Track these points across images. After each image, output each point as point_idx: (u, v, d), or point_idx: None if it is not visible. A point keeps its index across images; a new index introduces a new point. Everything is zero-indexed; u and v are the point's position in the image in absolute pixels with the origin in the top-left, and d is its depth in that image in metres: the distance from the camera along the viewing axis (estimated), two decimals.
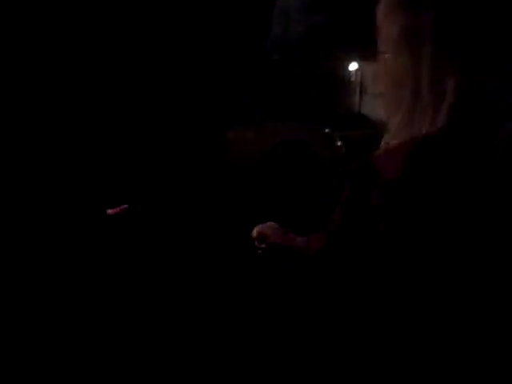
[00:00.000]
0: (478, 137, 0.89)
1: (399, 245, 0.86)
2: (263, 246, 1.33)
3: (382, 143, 0.96)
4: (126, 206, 1.60)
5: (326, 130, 11.12)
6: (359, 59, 25.50)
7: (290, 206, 6.97)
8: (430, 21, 0.89)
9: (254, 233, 1.35)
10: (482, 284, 0.86)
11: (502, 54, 0.87)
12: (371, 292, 0.88)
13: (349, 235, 0.92)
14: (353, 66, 27.91)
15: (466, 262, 0.85)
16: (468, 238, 0.86)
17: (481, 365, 0.87)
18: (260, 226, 1.36)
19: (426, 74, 0.90)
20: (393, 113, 0.95)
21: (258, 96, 14.52)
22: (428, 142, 0.88)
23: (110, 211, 1.68)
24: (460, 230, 0.86)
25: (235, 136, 10.54)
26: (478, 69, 0.88)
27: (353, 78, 27.92)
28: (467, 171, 0.87)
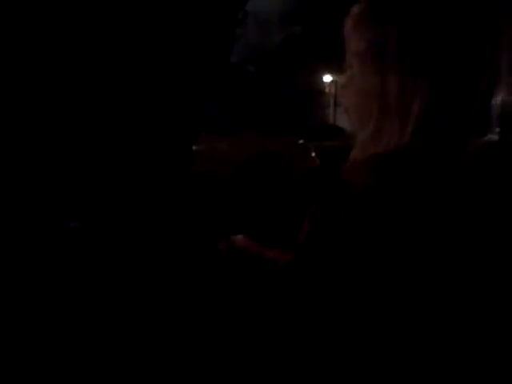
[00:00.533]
0: (444, 150, 0.91)
1: (365, 259, 0.87)
2: (231, 257, 1.36)
3: (350, 157, 0.97)
4: (88, 218, 1.49)
5: (301, 142, 11.10)
6: (334, 71, 25.84)
7: (264, 218, 6.90)
8: (395, 35, 0.91)
9: (223, 244, 1.38)
10: (452, 300, 0.87)
11: (466, 65, 0.89)
12: (339, 306, 0.89)
13: (317, 249, 0.93)
14: (327, 78, 28.30)
15: (435, 275, 0.86)
16: (434, 250, 0.86)
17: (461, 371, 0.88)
18: (229, 237, 1.39)
19: (392, 88, 0.91)
20: (360, 127, 0.97)
21: (232, 107, 14.50)
22: (394, 157, 0.90)
23: (73, 224, 1.58)
24: (425, 243, 0.86)
25: (208, 148, 10.48)
26: (444, 81, 0.89)
27: (327, 90, 28.31)
28: (433, 185, 0.88)
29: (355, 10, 0.97)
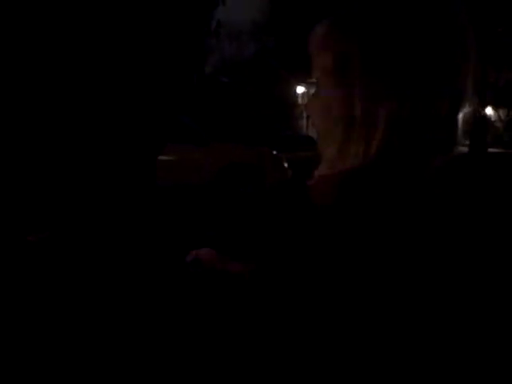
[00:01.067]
0: (409, 167, 0.91)
1: (328, 275, 0.87)
2: (198, 270, 1.34)
3: (316, 173, 0.97)
4: (47, 232, 1.46)
5: (274, 152, 11.13)
6: (306, 82, 25.96)
7: (236, 229, 6.88)
8: (357, 52, 0.90)
9: (189, 258, 1.36)
10: (414, 324, 0.87)
11: (429, 82, 0.89)
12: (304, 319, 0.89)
13: (279, 267, 0.92)
14: (300, 89, 28.44)
15: (397, 292, 0.86)
16: (397, 268, 0.86)
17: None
18: (195, 251, 1.36)
19: (358, 105, 0.91)
20: (327, 144, 0.96)
21: (205, 117, 14.48)
22: (359, 174, 0.90)
23: (30, 238, 1.54)
24: (389, 261, 0.86)
25: (181, 157, 10.45)
26: (407, 98, 0.89)
27: (300, 101, 28.44)
28: (397, 203, 0.88)
29: (319, 28, 0.97)
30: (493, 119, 33.62)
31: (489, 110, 29.74)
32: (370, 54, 0.90)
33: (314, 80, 1.01)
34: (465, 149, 22.62)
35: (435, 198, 0.90)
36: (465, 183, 1.01)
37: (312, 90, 1.05)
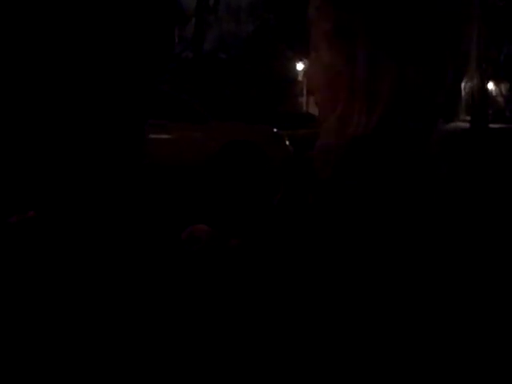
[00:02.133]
0: (412, 136, 0.89)
1: (331, 244, 0.86)
2: (194, 248, 1.32)
3: (317, 143, 0.95)
4: (31, 212, 1.44)
5: (275, 130, 11.08)
6: (306, 59, 25.74)
7: (238, 207, 6.88)
8: (362, 18, 0.88)
9: (184, 235, 1.34)
10: (419, 286, 0.86)
11: (433, 49, 0.88)
12: (306, 294, 0.88)
13: (283, 235, 0.92)
14: (300, 66, 28.26)
15: (401, 263, 0.85)
16: (400, 239, 0.85)
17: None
18: (190, 227, 1.35)
19: (360, 73, 0.89)
20: (328, 112, 0.94)
21: (204, 95, 14.40)
22: (361, 142, 0.88)
23: (12, 219, 1.52)
24: (390, 229, 0.85)
25: (181, 136, 10.42)
26: (411, 66, 0.87)
27: (300, 78, 28.27)
28: (400, 171, 0.87)
29: None
30: (494, 94, 33.46)
31: (490, 85, 29.58)
32: (373, 19, 0.88)
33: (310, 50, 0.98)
34: (466, 124, 22.53)
35: (437, 171, 0.89)
36: (465, 157, 1.01)
37: (307, 64, 1.03)
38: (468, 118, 24.69)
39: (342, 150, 0.89)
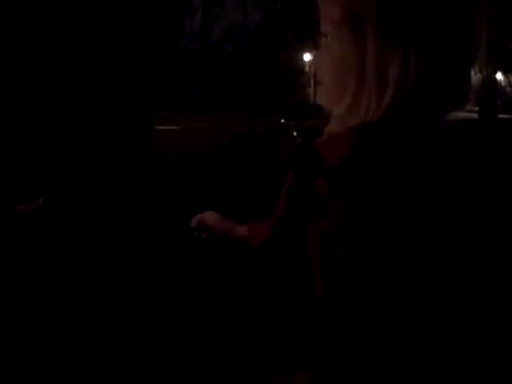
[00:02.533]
0: (422, 123, 0.89)
1: (347, 235, 0.84)
2: (203, 235, 1.33)
3: (327, 130, 0.95)
4: (40, 200, 1.44)
5: (282, 121, 11.05)
6: (314, 49, 25.60)
7: (246, 198, 6.88)
8: (372, 5, 0.87)
9: (193, 222, 1.35)
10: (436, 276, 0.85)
11: (444, 36, 0.87)
12: (318, 284, 0.87)
13: (294, 224, 0.91)
14: (307, 57, 28.13)
15: (418, 252, 0.84)
16: (416, 225, 0.84)
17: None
18: (199, 215, 1.35)
19: (370, 58, 0.88)
20: (337, 99, 0.93)
21: (212, 87, 14.36)
22: (371, 129, 0.88)
23: (22, 207, 1.51)
24: (401, 217, 0.84)
25: (188, 128, 10.40)
26: (422, 52, 0.87)
27: (307, 69, 28.15)
28: (410, 158, 0.86)
29: None
30: (503, 84, 33.20)
31: (499, 76, 29.36)
32: (384, 4, 0.87)
33: (319, 37, 0.97)
34: (475, 115, 22.40)
35: (443, 160, 0.89)
36: (473, 147, 1.00)
37: (315, 53, 1.02)
38: (476, 108, 24.57)
39: (352, 138, 0.88)
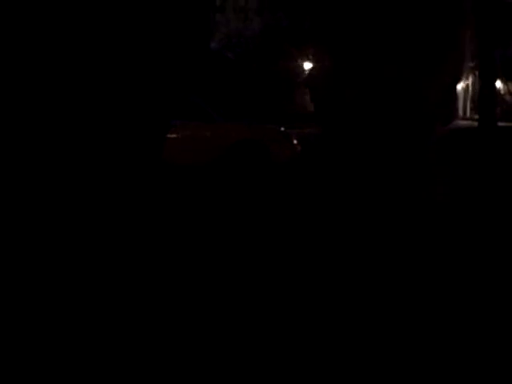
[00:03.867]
0: (410, 137, 0.86)
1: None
2: None
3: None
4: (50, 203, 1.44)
5: (282, 129, 11.07)
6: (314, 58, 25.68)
7: (246, 207, 6.89)
8: (362, 22, 0.84)
9: None
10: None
11: (429, 51, 0.84)
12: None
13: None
14: (307, 65, 28.23)
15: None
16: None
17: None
18: None
19: (349, 74, 0.85)
20: (327, 109, 0.91)
21: (212, 94, 14.39)
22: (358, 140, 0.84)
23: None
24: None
25: (189, 135, 10.41)
26: (409, 67, 0.83)
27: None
28: (394, 173, 0.83)
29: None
30: (502, 92, 33.29)
31: (498, 84, 29.44)
32: (372, 23, 0.88)
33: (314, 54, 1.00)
34: (474, 123, 22.41)
35: (433, 172, 0.90)
36: (472, 155, 1.01)
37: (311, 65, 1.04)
38: (476, 116, 24.61)
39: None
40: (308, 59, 26.94)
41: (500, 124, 24.59)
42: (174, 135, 10.13)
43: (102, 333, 2.54)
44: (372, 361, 0.81)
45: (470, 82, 36.74)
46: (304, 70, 28.39)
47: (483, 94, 21.61)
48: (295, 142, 10.65)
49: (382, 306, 0.78)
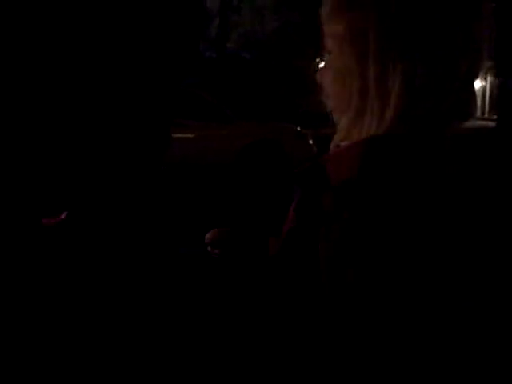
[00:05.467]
0: (426, 136, 0.90)
1: (354, 250, 0.86)
2: (216, 251, 1.34)
3: (332, 145, 0.97)
4: (63, 213, 1.44)
5: (298, 129, 11.06)
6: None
7: (262, 207, 6.89)
8: (374, 17, 0.89)
9: (207, 238, 1.35)
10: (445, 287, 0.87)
11: (446, 47, 0.88)
12: (327, 298, 0.89)
13: (303, 241, 0.92)
14: (322, 65, 28.12)
15: (426, 263, 0.85)
16: (424, 238, 0.86)
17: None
18: (213, 230, 1.36)
19: (371, 72, 0.90)
20: (341, 113, 0.96)
21: (229, 95, 14.42)
22: (378, 143, 0.89)
23: (46, 221, 1.52)
24: (414, 231, 0.85)
25: (206, 136, 10.45)
26: (424, 64, 0.88)
27: None
28: (415, 173, 0.88)
29: None
30: None
31: None
32: (389, 20, 0.88)
33: (323, 52, 1.00)
34: (492, 123, 22.22)
35: (457, 169, 0.89)
36: (489, 156, 1.00)
37: (321, 64, 1.05)
38: (495, 116, 24.36)
39: (357, 153, 0.89)
40: (324, 59, 26.83)
41: None
42: (190, 135, 10.18)
43: (102, 333, 2.55)
44: None
45: (487, 81, 36.34)
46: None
47: (501, 93, 21.41)
48: (311, 141, 10.64)
49: None
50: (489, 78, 33.90)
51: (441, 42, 0.88)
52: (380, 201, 0.85)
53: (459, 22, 0.89)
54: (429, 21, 0.88)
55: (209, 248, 1.35)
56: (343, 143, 0.94)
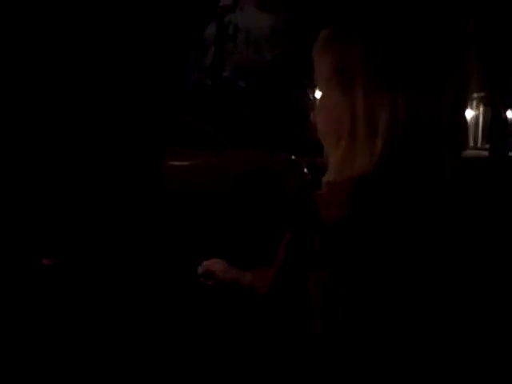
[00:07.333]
0: (416, 172, 0.90)
1: (345, 290, 0.87)
2: (210, 283, 1.34)
3: (324, 180, 0.97)
4: (61, 253, 1.45)
5: (293, 157, 11.10)
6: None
7: (256, 235, 6.88)
8: (358, 57, 0.91)
9: (200, 270, 1.36)
10: (430, 325, 0.87)
11: (432, 79, 0.89)
12: (319, 336, 0.90)
13: (293, 280, 0.93)
14: (318, 94, 28.34)
15: (417, 304, 0.86)
16: (415, 280, 0.86)
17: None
18: (206, 262, 1.37)
19: (359, 110, 0.91)
20: (332, 149, 0.97)
21: (224, 123, 14.48)
22: (368, 183, 0.89)
23: (46, 261, 1.52)
24: (406, 273, 0.86)
25: (201, 164, 10.47)
26: (410, 96, 0.88)
27: None
28: (405, 211, 0.88)
29: (322, 33, 0.98)
30: None
31: (510, 113, 29.38)
32: (375, 53, 0.89)
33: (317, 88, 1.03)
34: (485, 153, 22.35)
35: (448, 205, 0.89)
36: (483, 185, 1.01)
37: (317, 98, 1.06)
38: (487, 146, 24.49)
39: (348, 191, 0.90)
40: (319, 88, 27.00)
41: (511, 154, 24.52)
42: (186, 163, 10.19)
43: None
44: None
45: (480, 111, 36.62)
46: (314, 99, 28.54)
47: (494, 123, 21.58)
48: (305, 170, 10.66)
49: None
50: (481, 108, 34.18)
51: (426, 74, 0.89)
52: (371, 242, 0.86)
53: (445, 54, 0.90)
54: (414, 53, 0.89)
55: (201, 279, 1.35)
56: (333, 181, 0.95)
